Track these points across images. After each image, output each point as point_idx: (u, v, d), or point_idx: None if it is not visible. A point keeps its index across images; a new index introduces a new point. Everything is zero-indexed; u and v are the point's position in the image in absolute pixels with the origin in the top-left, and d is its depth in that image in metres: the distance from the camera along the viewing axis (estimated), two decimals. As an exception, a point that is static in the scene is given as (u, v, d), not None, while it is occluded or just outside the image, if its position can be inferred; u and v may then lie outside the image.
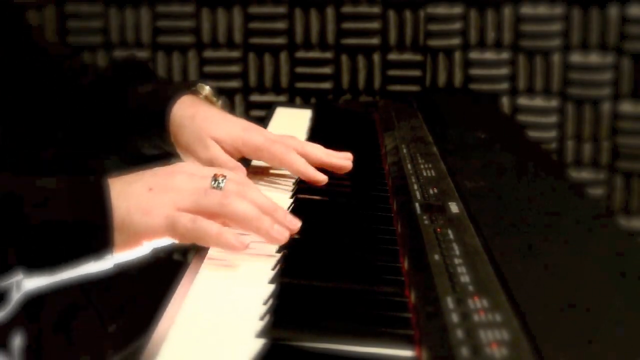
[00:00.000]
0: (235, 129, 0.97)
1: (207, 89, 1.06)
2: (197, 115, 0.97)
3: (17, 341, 0.85)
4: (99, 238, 0.68)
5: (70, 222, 0.67)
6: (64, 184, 0.71)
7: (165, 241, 0.72)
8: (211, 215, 0.72)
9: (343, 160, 0.97)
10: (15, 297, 0.66)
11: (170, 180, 0.73)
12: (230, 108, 1.62)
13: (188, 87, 1.04)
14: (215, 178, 0.74)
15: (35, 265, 0.66)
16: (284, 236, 0.74)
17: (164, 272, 1.01)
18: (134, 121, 1.02)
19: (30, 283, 0.66)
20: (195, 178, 0.74)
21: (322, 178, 0.93)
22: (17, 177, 0.70)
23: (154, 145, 1.02)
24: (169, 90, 1.02)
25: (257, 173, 0.99)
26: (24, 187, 0.70)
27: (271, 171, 1.00)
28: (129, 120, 1.03)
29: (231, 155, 0.96)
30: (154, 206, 0.70)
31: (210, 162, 0.94)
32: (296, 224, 0.76)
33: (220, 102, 1.08)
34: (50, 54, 1.14)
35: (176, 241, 0.72)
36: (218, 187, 0.74)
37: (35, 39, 1.13)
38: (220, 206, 0.72)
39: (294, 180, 0.96)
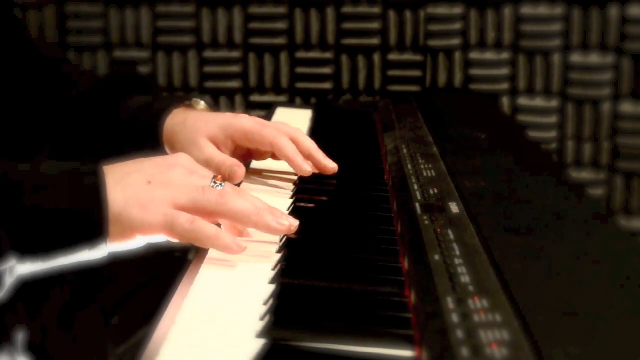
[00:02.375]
0: (225, 118, 0.97)
1: (201, 103, 1.05)
2: (188, 120, 0.97)
3: (21, 336, 0.85)
4: (93, 228, 0.67)
5: (65, 211, 0.67)
6: (61, 171, 0.70)
7: (160, 238, 0.71)
8: (209, 213, 0.72)
9: (329, 161, 0.96)
10: (8, 282, 0.66)
11: (169, 173, 0.73)
12: (230, 108, 1.62)
13: (181, 100, 1.04)
14: (214, 180, 0.74)
15: (29, 251, 0.66)
16: (284, 226, 0.74)
17: (165, 266, 1.01)
18: (126, 134, 1.02)
19: (24, 268, 0.66)
20: (194, 175, 0.74)
21: (308, 169, 0.93)
22: (13, 163, 0.70)
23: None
24: (162, 104, 1.01)
25: (257, 174, 0.99)
26: (20, 172, 0.69)
27: (271, 173, 1.00)
28: (121, 133, 1.02)
29: (226, 147, 0.95)
30: (151, 201, 0.70)
31: (206, 162, 0.93)
32: (293, 222, 0.75)
33: None
34: (48, 58, 1.13)
35: (171, 239, 0.71)
36: (216, 188, 0.74)
37: (32, 44, 1.12)
38: (217, 204, 0.72)
39: (293, 181, 0.96)
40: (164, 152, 0.99)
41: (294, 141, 0.95)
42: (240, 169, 0.91)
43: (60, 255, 0.67)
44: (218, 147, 0.96)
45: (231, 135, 0.95)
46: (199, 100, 1.06)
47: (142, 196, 0.70)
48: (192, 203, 0.71)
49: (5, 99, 1.05)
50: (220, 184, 0.74)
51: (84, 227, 0.67)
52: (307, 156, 0.95)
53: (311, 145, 0.96)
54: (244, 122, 0.96)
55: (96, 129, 1.04)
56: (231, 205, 0.72)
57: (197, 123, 0.96)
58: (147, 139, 0.99)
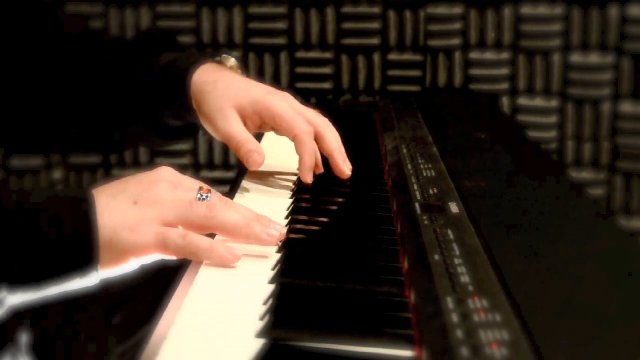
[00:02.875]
0: (259, 91, 0.93)
1: (232, 60, 1.02)
2: (220, 81, 0.94)
3: (24, 338, 0.85)
4: (85, 256, 0.66)
5: (55, 240, 0.66)
6: (49, 199, 0.69)
7: (154, 257, 0.71)
8: (198, 227, 0.71)
9: (346, 166, 0.94)
10: (0, 314, 0.65)
11: (154, 190, 0.71)
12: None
13: (212, 56, 1.01)
14: (200, 192, 0.73)
15: (19, 282, 0.65)
16: (275, 237, 0.73)
17: (165, 266, 1.01)
18: (156, 89, 0.99)
19: (15, 299, 0.65)
20: (180, 189, 0.73)
21: (308, 181, 0.91)
22: (2, 190, 0.69)
23: (177, 115, 1.00)
24: (192, 58, 0.98)
25: (257, 173, 0.98)
26: (7, 201, 0.68)
27: (271, 172, 0.99)
28: (152, 88, 1.00)
29: (253, 122, 0.93)
30: (140, 222, 0.69)
31: (227, 138, 0.91)
32: (281, 229, 0.75)
33: (245, 75, 1.03)
34: (72, 27, 1.12)
35: (166, 257, 0.71)
36: (202, 201, 0.73)
37: (56, 14, 1.11)
38: (206, 218, 0.71)
39: (294, 181, 0.96)
40: (193, 109, 0.96)
41: (320, 137, 0.93)
42: (260, 157, 0.89)
43: (52, 284, 0.66)
44: (244, 121, 0.93)
45: (259, 112, 0.92)
46: (229, 56, 1.02)
47: (130, 219, 0.69)
48: (181, 219, 0.71)
49: (38, 69, 1.04)
50: (207, 196, 0.73)
51: (76, 257, 0.66)
52: (328, 156, 0.93)
53: (334, 145, 0.93)
54: (277, 105, 0.92)
55: (130, 85, 1.02)
56: (221, 219, 0.72)
57: (228, 89, 0.93)
58: (176, 93, 0.96)
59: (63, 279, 0.66)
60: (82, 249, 0.66)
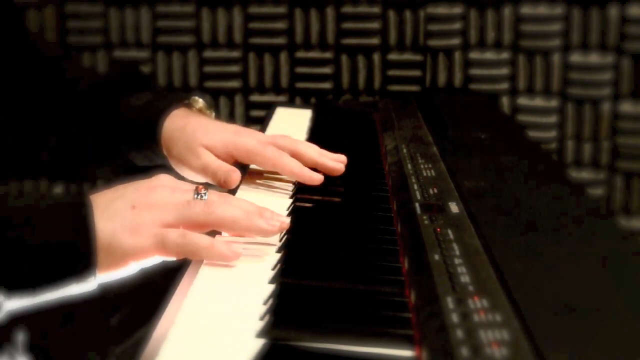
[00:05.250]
0: (226, 133, 0.96)
1: (200, 102, 1.04)
2: (188, 126, 0.96)
3: (21, 337, 0.85)
4: (82, 261, 0.66)
5: (53, 245, 0.66)
6: (46, 205, 0.70)
7: (154, 260, 0.71)
8: (198, 225, 0.72)
9: (336, 162, 0.95)
10: None
11: (152, 195, 0.72)
12: (230, 108, 1.62)
13: (181, 100, 1.03)
14: (197, 191, 0.73)
15: (16, 287, 0.65)
16: (276, 227, 0.74)
17: (164, 265, 1.01)
18: (126, 133, 1.02)
19: (12, 304, 0.65)
20: (177, 192, 0.73)
21: (318, 178, 0.92)
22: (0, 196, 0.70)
23: (145, 157, 1.02)
24: (161, 104, 1.00)
25: (257, 175, 0.99)
26: (6, 206, 0.69)
27: (271, 173, 0.99)
28: (121, 132, 1.02)
29: (224, 161, 0.94)
30: (139, 225, 0.69)
31: (203, 169, 0.93)
32: (284, 220, 0.75)
33: (213, 114, 1.07)
34: (48, 56, 1.13)
35: (167, 258, 0.71)
36: (200, 199, 0.73)
37: (32, 40, 1.12)
38: (205, 214, 0.71)
39: (293, 182, 0.96)
40: (162, 154, 0.99)
41: (297, 155, 0.94)
42: (235, 174, 0.90)
43: (49, 289, 0.66)
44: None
45: (231, 153, 0.94)
46: (198, 99, 1.05)
47: (130, 222, 0.69)
48: (180, 219, 0.71)
49: (5, 98, 1.05)
50: (204, 194, 0.73)
51: (73, 262, 0.66)
52: (313, 166, 0.94)
53: (314, 154, 0.95)
54: (247, 142, 0.95)
55: (98, 126, 1.04)
56: (220, 213, 0.72)
57: (196, 132, 0.96)
58: (146, 140, 0.99)
59: (61, 284, 0.66)
60: (80, 254, 0.66)
